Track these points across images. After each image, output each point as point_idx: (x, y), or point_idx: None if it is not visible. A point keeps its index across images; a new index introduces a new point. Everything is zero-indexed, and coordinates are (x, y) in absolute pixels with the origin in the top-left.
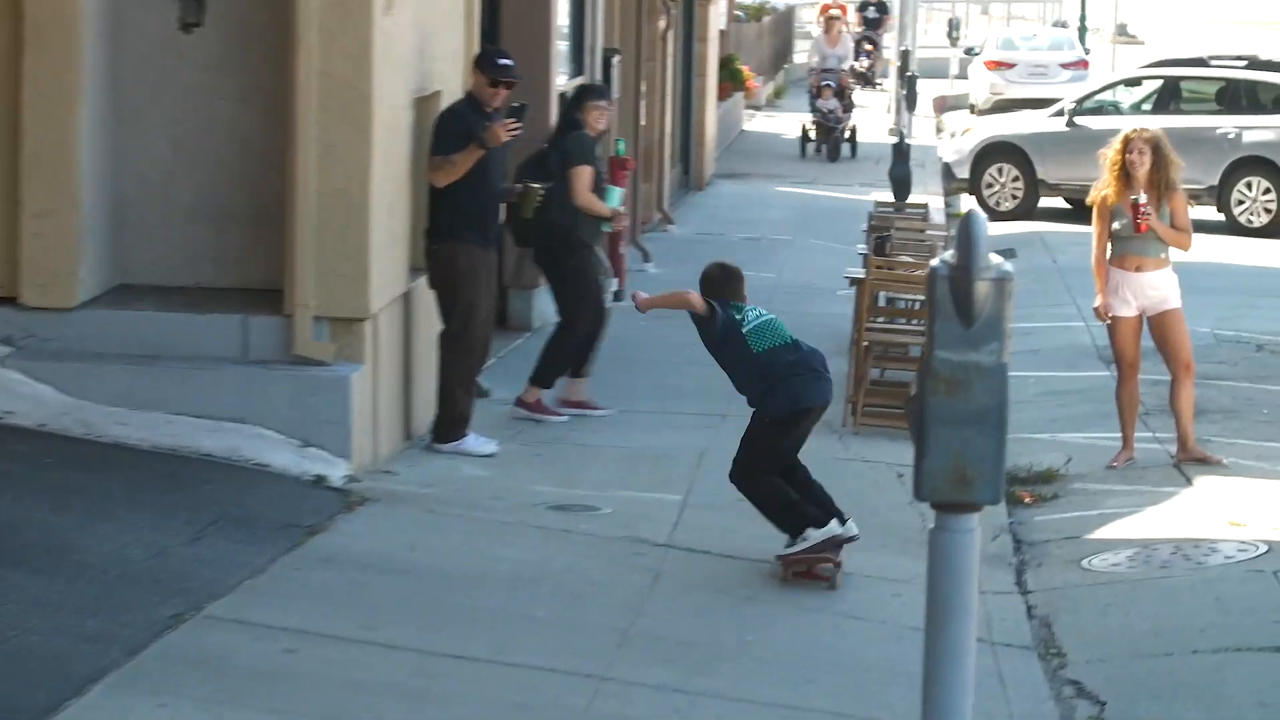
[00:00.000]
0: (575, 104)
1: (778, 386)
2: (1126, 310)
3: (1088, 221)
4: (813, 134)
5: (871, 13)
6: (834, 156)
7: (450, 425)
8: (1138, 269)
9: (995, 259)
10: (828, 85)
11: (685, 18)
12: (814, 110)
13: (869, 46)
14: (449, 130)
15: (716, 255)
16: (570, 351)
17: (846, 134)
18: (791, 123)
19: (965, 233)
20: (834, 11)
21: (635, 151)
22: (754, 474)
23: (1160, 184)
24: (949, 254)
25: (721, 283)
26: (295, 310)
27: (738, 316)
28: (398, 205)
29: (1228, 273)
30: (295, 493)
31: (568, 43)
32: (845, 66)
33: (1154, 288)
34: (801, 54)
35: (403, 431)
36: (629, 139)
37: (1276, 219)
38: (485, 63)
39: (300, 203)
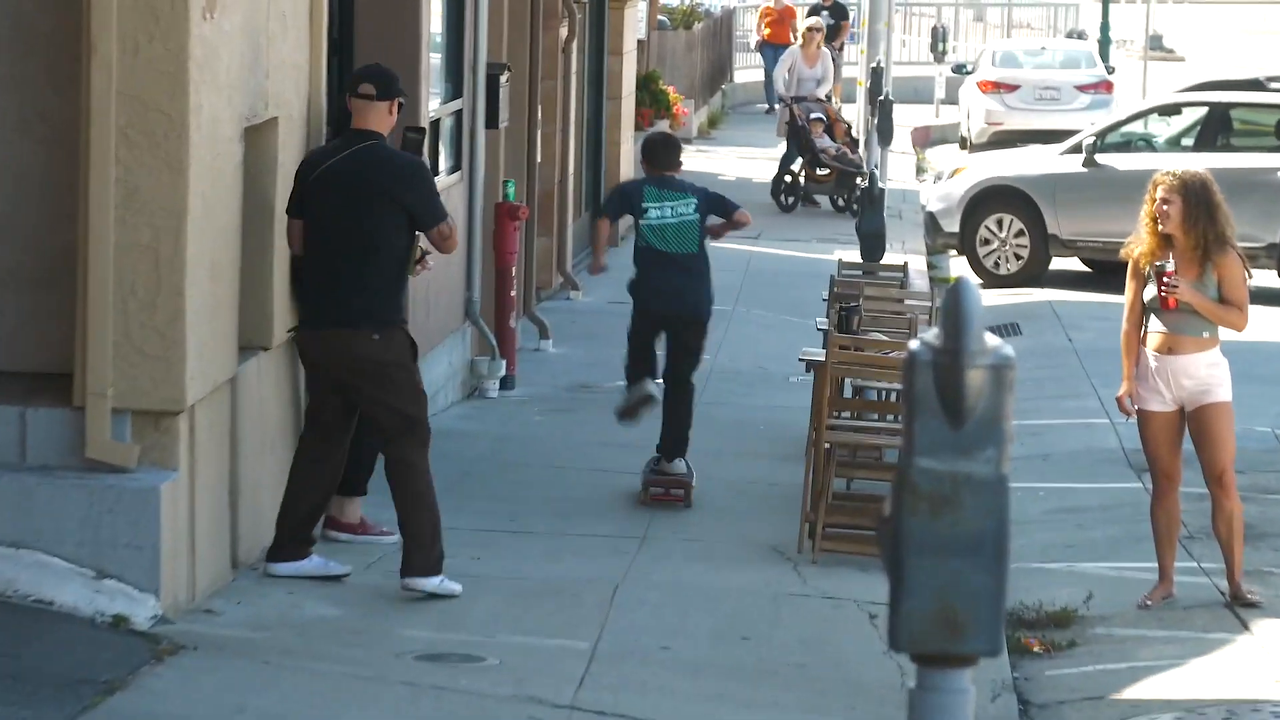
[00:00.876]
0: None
1: (639, 278)
2: (1158, 403)
3: (1110, 288)
4: (801, 180)
5: (825, 18)
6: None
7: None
8: (1170, 351)
9: (992, 340)
10: (818, 118)
11: (594, 24)
12: (806, 152)
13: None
14: (435, 188)
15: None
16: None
17: (863, 181)
18: (729, 160)
19: (953, 307)
20: (814, 20)
21: (529, 195)
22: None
23: (1203, 242)
24: (932, 333)
25: (652, 150)
26: (88, 400)
27: (644, 205)
28: (223, 265)
29: (1258, 354)
30: (87, 639)
31: (442, 56)
32: (825, 93)
33: (1190, 376)
34: (745, 70)
35: (229, 558)
36: (520, 179)
37: None
38: (396, 91)
39: (95, 262)
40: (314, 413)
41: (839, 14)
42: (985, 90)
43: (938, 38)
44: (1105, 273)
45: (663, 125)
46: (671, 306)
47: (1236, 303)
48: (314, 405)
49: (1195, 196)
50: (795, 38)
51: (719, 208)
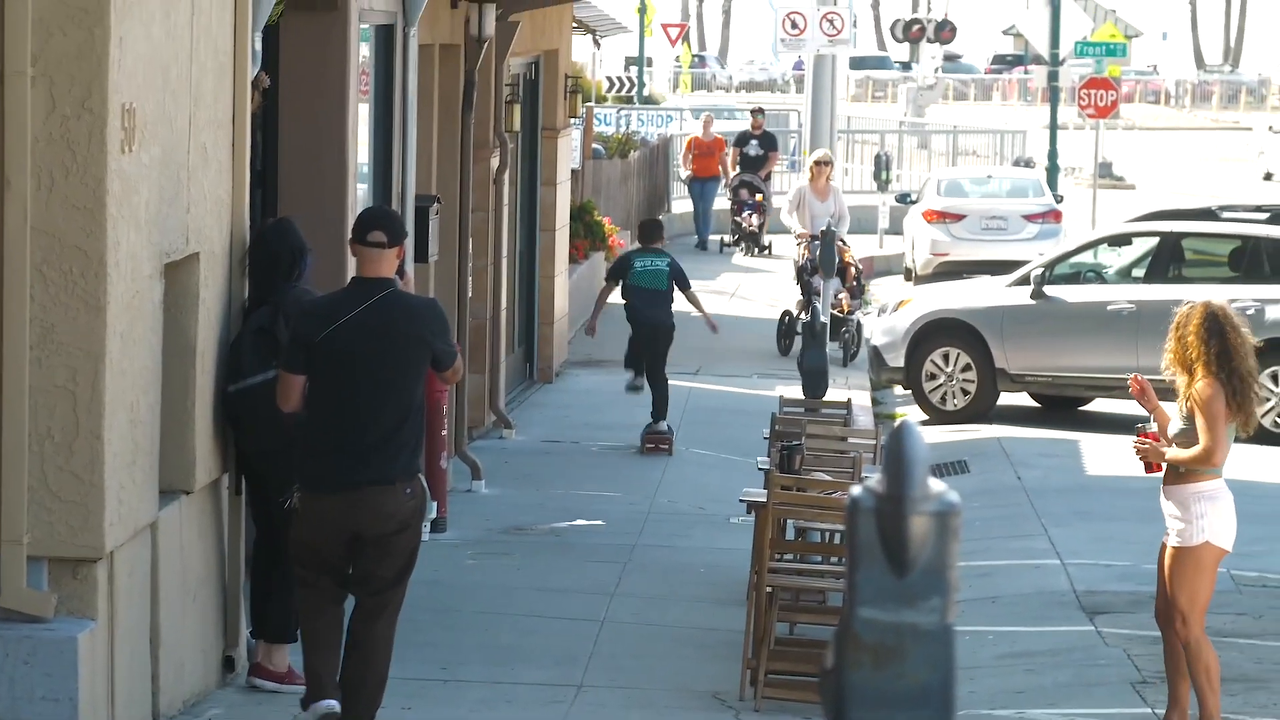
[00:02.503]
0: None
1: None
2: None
3: (1060, 424)
4: (801, 320)
5: (753, 149)
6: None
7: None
8: (1164, 481)
9: (937, 485)
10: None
11: (526, 154)
12: (811, 293)
13: (756, 195)
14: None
15: (568, 469)
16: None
17: (854, 329)
18: None
19: (896, 451)
20: (822, 152)
21: (460, 331)
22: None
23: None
24: (874, 479)
25: (643, 230)
26: (2, 548)
27: (634, 263)
28: (142, 407)
29: (1252, 493)
30: None
31: (369, 188)
32: (843, 230)
33: (1169, 510)
34: (683, 201)
35: (150, 710)
36: (451, 314)
37: None
38: (404, 234)
39: (10, 404)
40: (317, 581)
41: (768, 144)
42: (930, 220)
43: (881, 166)
44: (1055, 408)
45: (598, 256)
46: (650, 321)
47: (1203, 440)
48: (315, 575)
49: (1179, 330)
50: (725, 170)
51: (679, 277)
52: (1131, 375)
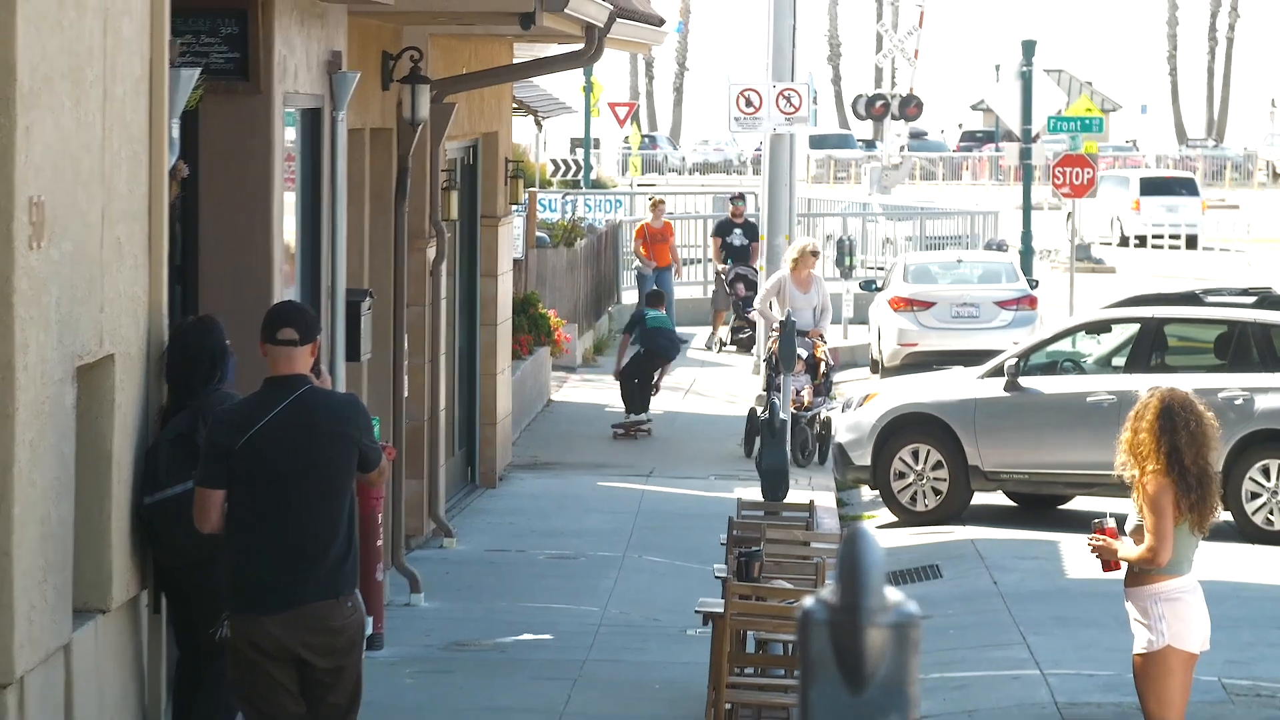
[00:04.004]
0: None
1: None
2: None
3: (1038, 524)
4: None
5: (737, 238)
6: (824, 458)
7: None
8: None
9: (894, 595)
10: (799, 357)
11: (465, 244)
12: (775, 388)
13: (743, 290)
14: None
15: (513, 579)
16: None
17: (818, 427)
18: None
19: (849, 558)
20: (809, 243)
21: (395, 434)
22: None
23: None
24: (828, 590)
25: (649, 298)
26: None
27: (646, 313)
28: (54, 520)
29: (1240, 596)
30: None
31: (297, 282)
32: (825, 324)
33: (1131, 616)
34: (634, 291)
35: None
36: (386, 417)
37: None
38: (317, 330)
39: None
40: (276, 713)
41: (751, 233)
42: (897, 308)
43: (844, 251)
44: (1032, 507)
45: (543, 352)
46: (663, 351)
47: (1149, 539)
48: (273, 704)
49: (1135, 420)
50: (675, 257)
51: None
52: (1094, 528)
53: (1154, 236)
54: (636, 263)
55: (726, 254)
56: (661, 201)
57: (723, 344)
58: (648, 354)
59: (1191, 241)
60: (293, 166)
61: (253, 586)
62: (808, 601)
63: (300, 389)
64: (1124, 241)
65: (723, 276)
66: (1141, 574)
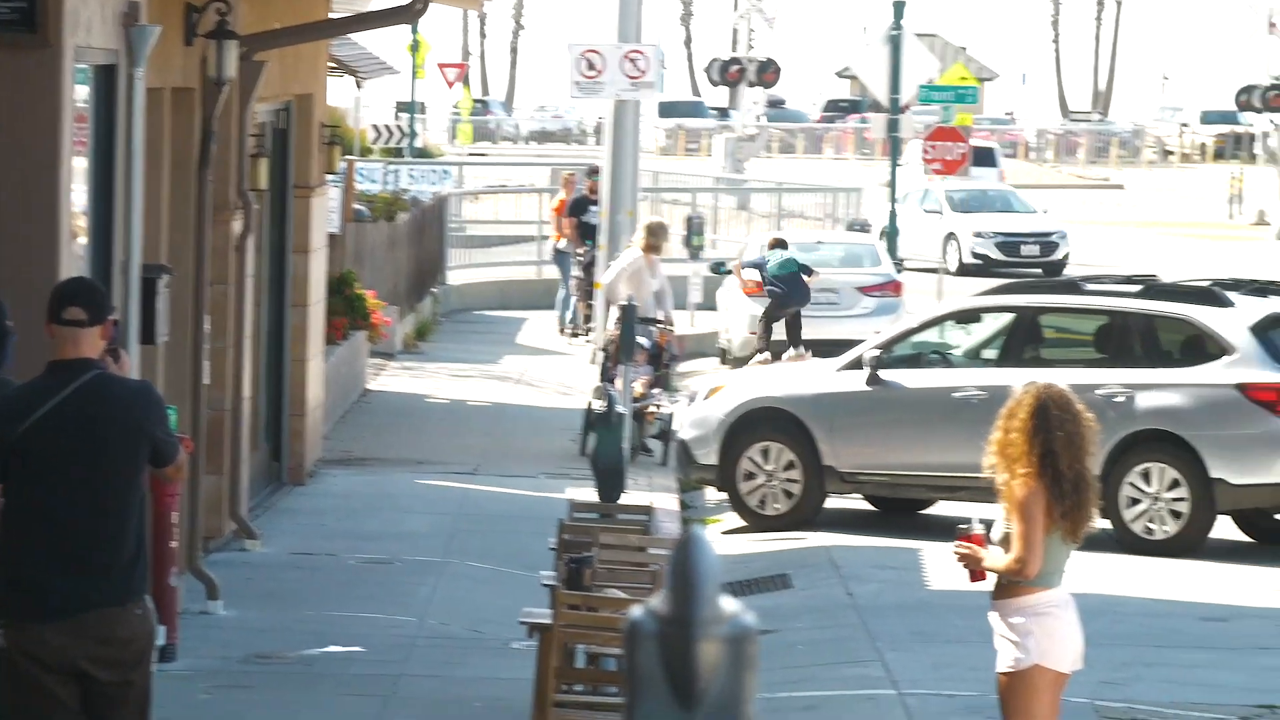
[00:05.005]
0: None
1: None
2: None
3: (898, 531)
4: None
5: (593, 216)
6: (666, 456)
7: None
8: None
9: (729, 607)
10: (641, 346)
11: (275, 217)
12: (609, 380)
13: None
14: None
15: (321, 586)
16: None
17: (655, 426)
18: (442, 380)
19: (681, 566)
20: (656, 220)
21: (194, 425)
22: None
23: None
24: (658, 599)
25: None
26: None
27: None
28: None
29: (1116, 611)
30: None
31: (86, 257)
32: (669, 309)
33: (996, 631)
34: (462, 270)
35: None
36: (183, 406)
37: (1188, 529)
38: (109, 310)
39: None
40: None
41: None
42: (750, 293)
43: (693, 230)
44: (893, 512)
45: (360, 336)
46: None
47: (1017, 546)
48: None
49: (1006, 420)
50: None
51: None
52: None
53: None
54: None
55: (583, 234)
56: (573, 175)
57: (575, 333)
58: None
59: None
60: (84, 129)
61: (30, 592)
62: (635, 612)
63: (87, 374)
64: None
65: (579, 259)
66: (1009, 586)
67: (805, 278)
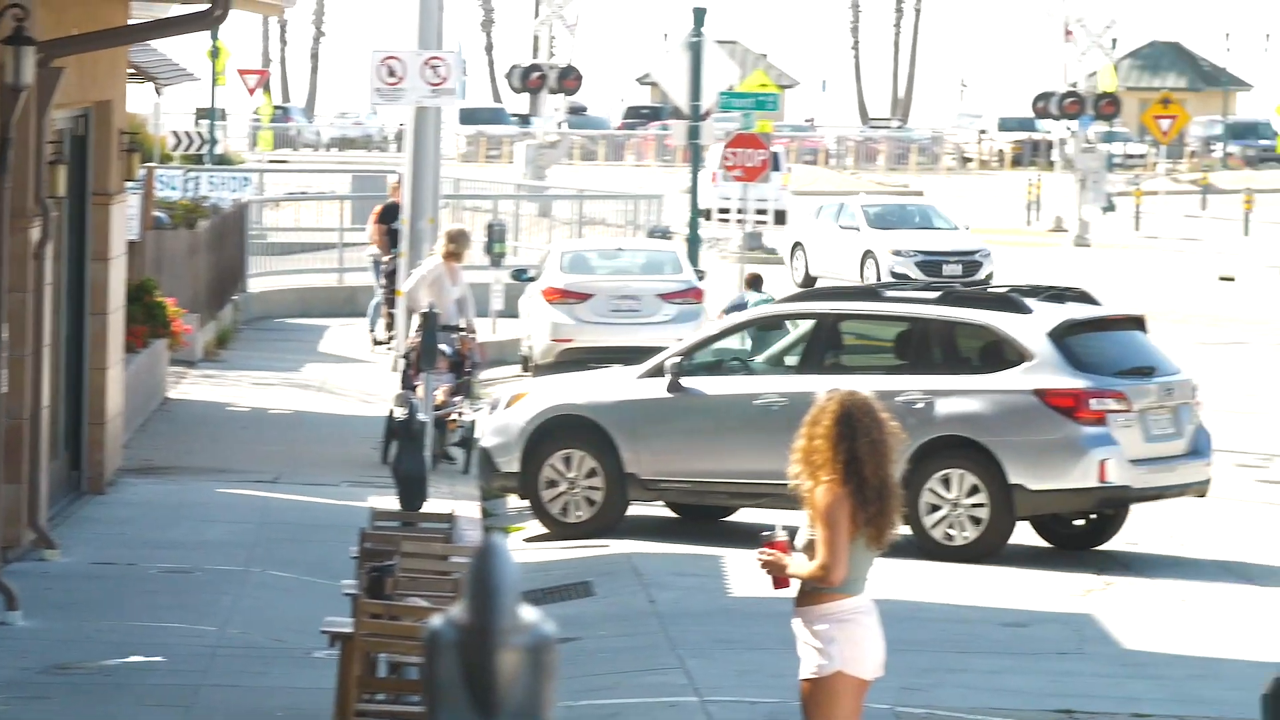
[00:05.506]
0: None
1: None
2: None
3: (700, 538)
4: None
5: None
6: (469, 464)
7: None
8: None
9: (528, 616)
10: (442, 354)
11: (73, 224)
12: (410, 387)
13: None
14: None
15: (121, 595)
16: None
17: (457, 434)
18: (243, 388)
19: (480, 575)
20: (457, 227)
21: None
22: None
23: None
24: (457, 609)
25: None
26: None
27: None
28: None
29: (918, 617)
30: None
31: None
32: (472, 316)
33: (800, 638)
34: (263, 278)
35: None
36: None
37: (987, 534)
38: None
39: None
40: None
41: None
42: (551, 300)
43: (494, 237)
44: (695, 519)
45: (160, 344)
46: None
47: (821, 552)
48: None
49: (810, 427)
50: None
51: None
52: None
53: (725, 211)
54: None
55: (392, 242)
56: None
57: (378, 341)
58: None
59: (780, 217)
60: None
61: None
62: (435, 621)
63: None
64: (707, 215)
65: (384, 266)
66: (813, 593)
67: None
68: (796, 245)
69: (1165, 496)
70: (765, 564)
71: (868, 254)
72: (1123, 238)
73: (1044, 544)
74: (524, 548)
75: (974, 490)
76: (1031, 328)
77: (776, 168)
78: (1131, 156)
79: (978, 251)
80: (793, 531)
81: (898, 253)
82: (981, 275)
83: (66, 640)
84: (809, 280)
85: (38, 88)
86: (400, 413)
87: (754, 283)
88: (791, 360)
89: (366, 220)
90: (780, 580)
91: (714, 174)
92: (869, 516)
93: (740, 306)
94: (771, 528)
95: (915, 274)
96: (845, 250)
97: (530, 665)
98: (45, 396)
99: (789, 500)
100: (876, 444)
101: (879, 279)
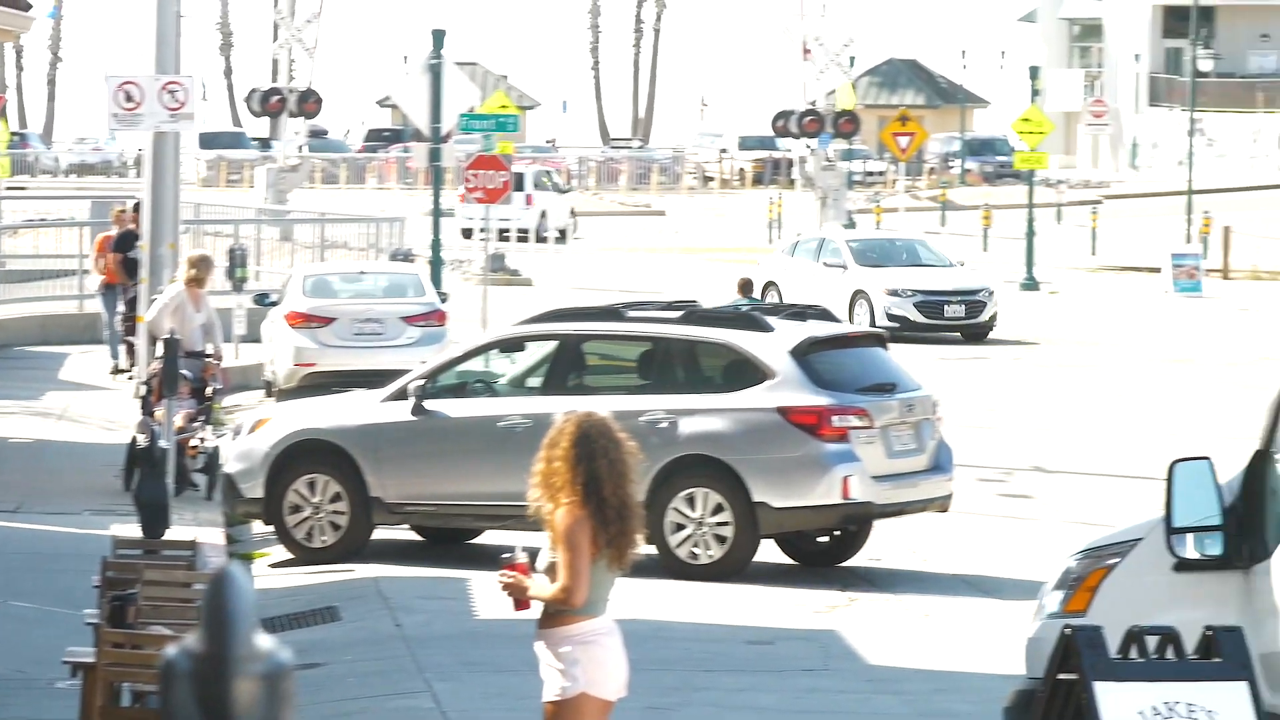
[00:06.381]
0: None
1: None
2: None
3: (445, 562)
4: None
5: (140, 252)
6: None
7: None
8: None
9: (265, 644)
10: (185, 379)
11: None
12: (150, 414)
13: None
14: None
15: None
16: None
17: (200, 460)
18: None
19: (215, 604)
20: (198, 252)
21: None
22: None
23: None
24: (193, 637)
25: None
26: None
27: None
28: None
29: (663, 637)
30: None
31: None
32: (219, 342)
33: (542, 660)
34: (2, 306)
35: None
36: None
37: (732, 553)
38: None
39: None
40: None
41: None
42: (294, 324)
43: (236, 262)
44: (441, 542)
45: None
46: None
47: (564, 574)
48: None
49: (549, 449)
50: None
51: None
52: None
53: (480, 231)
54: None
55: (130, 270)
56: (124, 210)
57: (119, 369)
58: None
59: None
60: None
61: None
62: (170, 650)
63: None
64: (468, 234)
65: (125, 295)
66: (555, 615)
67: None
68: (770, 285)
69: (908, 512)
70: (506, 586)
71: (858, 294)
72: None
73: (789, 561)
74: (269, 573)
75: (718, 509)
76: (773, 346)
77: (521, 187)
78: (871, 174)
79: (980, 290)
80: (534, 553)
81: (894, 293)
82: (985, 317)
83: None
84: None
85: None
86: (142, 440)
87: (745, 288)
88: (535, 382)
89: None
90: (521, 602)
91: (462, 194)
92: (610, 537)
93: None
94: (512, 549)
95: (914, 315)
96: (830, 290)
97: (267, 693)
98: None
99: (535, 522)
100: (615, 464)
101: (873, 322)
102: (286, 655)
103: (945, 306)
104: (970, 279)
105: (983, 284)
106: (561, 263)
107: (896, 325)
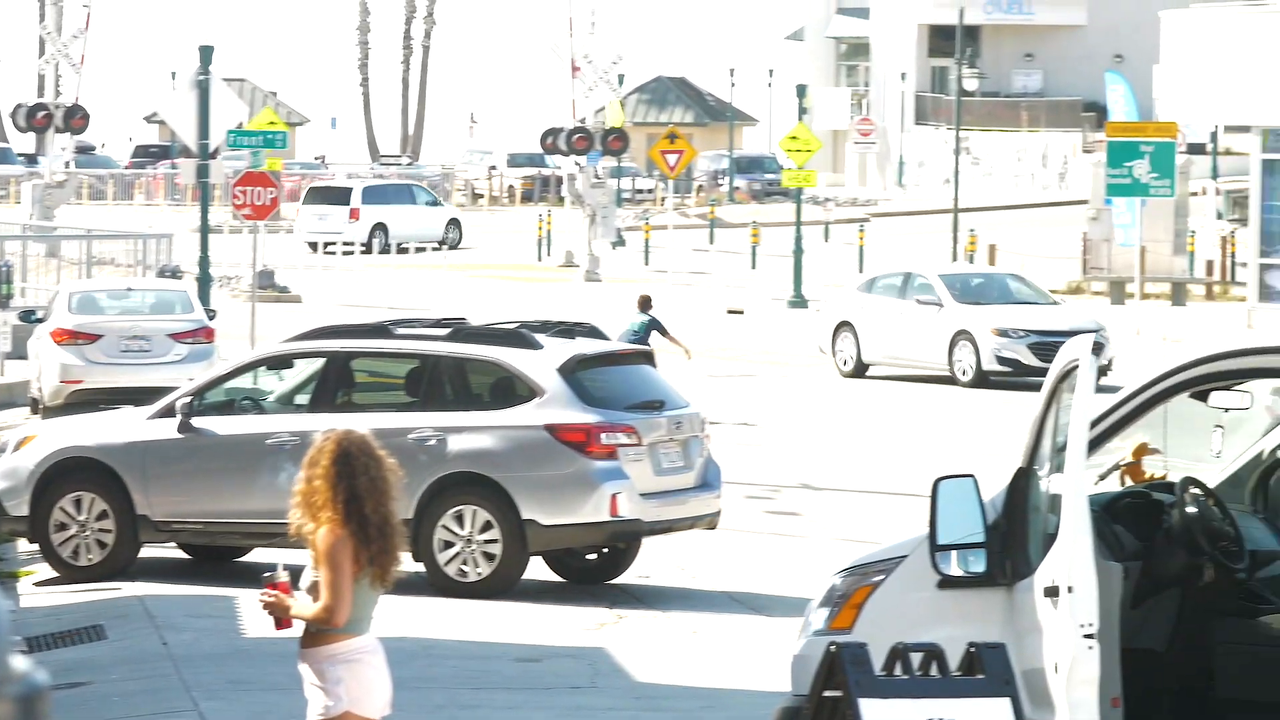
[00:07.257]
0: None
1: None
2: None
3: (215, 579)
4: None
5: None
6: None
7: None
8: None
9: (20, 666)
10: None
11: None
12: None
13: None
14: None
15: None
16: None
17: None
18: None
19: None
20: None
21: None
22: None
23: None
24: None
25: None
26: None
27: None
28: None
29: (430, 654)
30: None
31: None
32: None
33: (305, 679)
34: None
35: None
36: None
37: (501, 570)
38: None
39: None
40: None
41: None
42: (60, 341)
43: (1, 278)
44: (209, 560)
45: None
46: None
47: (326, 594)
48: None
49: (309, 468)
50: None
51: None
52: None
53: (325, 246)
54: None
55: None
56: None
57: None
58: None
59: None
60: None
61: None
62: None
63: None
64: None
65: None
66: (317, 634)
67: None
68: (843, 326)
69: (676, 529)
70: (267, 605)
71: (960, 335)
72: (633, 272)
73: (558, 579)
74: (34, 592)
75: (487, 526)
76: (541, 363)
77: (345, 202)
78: (640, 191)
79: (1097, 330)
80: (296, 572)
81: (1004, 333)
82: (1104, 360)
83: None
84: (860, 369)
85: None
86: None
87: (645, 305)
88: (303, 399)
89: None
90: (283, 621)
91: (299, 209)
92: (372, 555)
93: (635, 332)
94: (274, 568)
95: (1027, 359)
96: (923, 331)
97: (21, 715)
98: None
99: (301, 540)
100: (375, 481)
101: (979, 365)
102: (43, 676)
103: (1061, 347)
104: (1078, 317)
105: (1094, 323)
106: (331, 280)
107: (1009, 370)
